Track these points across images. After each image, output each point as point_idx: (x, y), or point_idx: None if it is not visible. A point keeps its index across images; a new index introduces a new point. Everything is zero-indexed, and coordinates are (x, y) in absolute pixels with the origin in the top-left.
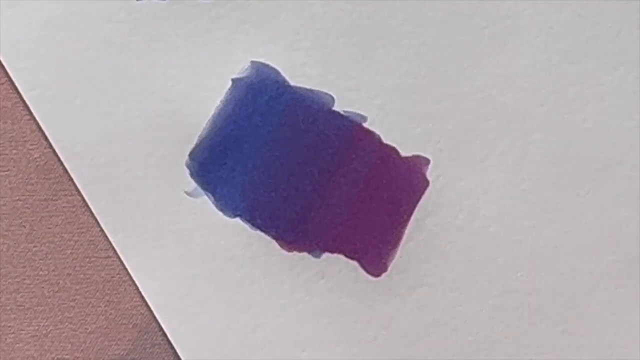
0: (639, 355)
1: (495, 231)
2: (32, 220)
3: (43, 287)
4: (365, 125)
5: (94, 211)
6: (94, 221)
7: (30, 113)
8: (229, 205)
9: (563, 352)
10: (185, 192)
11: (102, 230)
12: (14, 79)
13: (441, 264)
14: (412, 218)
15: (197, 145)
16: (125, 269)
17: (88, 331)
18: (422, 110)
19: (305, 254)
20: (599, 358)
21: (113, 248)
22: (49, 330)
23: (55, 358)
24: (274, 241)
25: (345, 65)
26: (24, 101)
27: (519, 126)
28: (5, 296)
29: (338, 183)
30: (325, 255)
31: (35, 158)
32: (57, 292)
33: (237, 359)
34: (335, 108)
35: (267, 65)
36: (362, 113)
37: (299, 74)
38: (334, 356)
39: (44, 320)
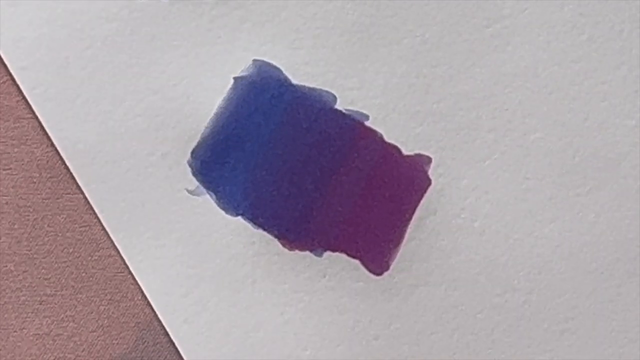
0: (639, 355)
1: (496, 230)
2: (34, 219)
3: (45, 286)
4: (367, 123)
5: (96, 210)
6: (96, 220)
7: (33, 112)
8: (231, 203)
9: (563, 352)
10: (187, 191)
11: (104, 228)
12: (15, 78)
13: (443, 263)
14: (414, 217)
15: (199, 144)
16: (127, 267)
17: (90, 330)
18: (424, 108)
19: (307, 252)
20: (599, 358)
21: (115, 247)
22: (50, 329)
23: (57, 357)
24: (276, 240)
25: (348, 64)
26: (26, 100)
27: (520, 125)
28: (7, 294)
29: (340, 182)
30: (327, 254)
31: (37, 157)
32: (59, 290)
33: (238, 357)
34: (337, 107)
35: (269, 64)
36: (364, 112)
37: (301, 73)
38: (335, 355)
39: (46, 319)
